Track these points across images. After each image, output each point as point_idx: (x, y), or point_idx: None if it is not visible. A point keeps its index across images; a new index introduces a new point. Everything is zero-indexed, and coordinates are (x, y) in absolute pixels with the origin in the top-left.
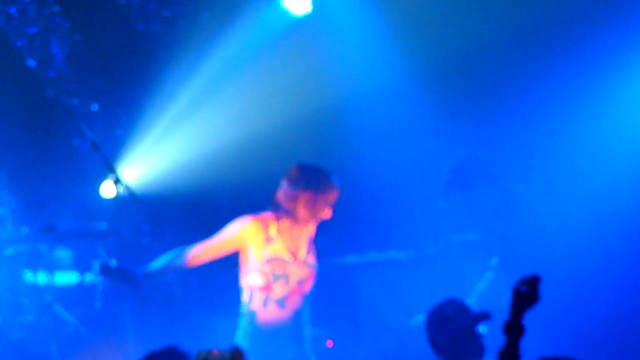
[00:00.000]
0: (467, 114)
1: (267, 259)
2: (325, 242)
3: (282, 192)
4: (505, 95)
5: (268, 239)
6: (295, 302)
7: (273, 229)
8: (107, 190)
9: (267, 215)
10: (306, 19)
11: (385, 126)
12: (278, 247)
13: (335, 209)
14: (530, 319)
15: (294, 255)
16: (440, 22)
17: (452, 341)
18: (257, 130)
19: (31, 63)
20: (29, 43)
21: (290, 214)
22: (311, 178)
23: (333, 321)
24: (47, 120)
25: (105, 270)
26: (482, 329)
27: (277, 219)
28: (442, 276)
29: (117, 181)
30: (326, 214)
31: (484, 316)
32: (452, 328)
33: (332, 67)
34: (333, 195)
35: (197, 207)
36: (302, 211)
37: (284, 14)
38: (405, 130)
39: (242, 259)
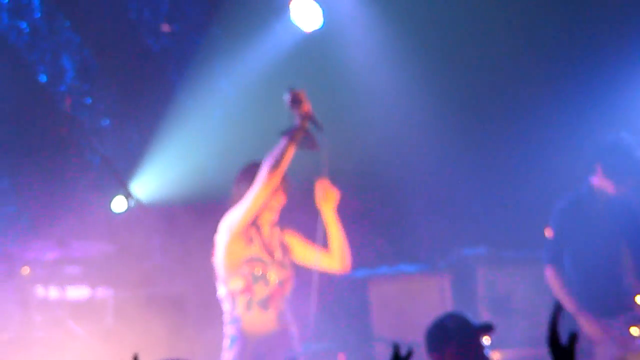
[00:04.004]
0: (481, 132)
1: (246, 259)
2: None
3: (233, 197)
4: (519, 108)
5: (249, 240)
6: (278, 304)
7: (251, 231)
8: (118, 205)
9: None
10: (317, 34)
11: (396, 139)
12: (256, 248)
13: (345, 222)
14: None
15: (271, 255)
16: (452, 37)
17: (457, 355)
18: (268, 144)
19: (42, 78)
20: (40, 58)
21: None
22: (247, 173)
23: (343, 335)
24: (58, 135)
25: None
26: (484, 340)
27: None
28: (453, 290)
29: (128, 196)
30: (276, 203)
31: (487, 328)
32: (455, 341)
33: (343, 81)
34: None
35: (209, 221)
36: None
37: (295, 28)
38: (416, 145)
39: (223, 264)
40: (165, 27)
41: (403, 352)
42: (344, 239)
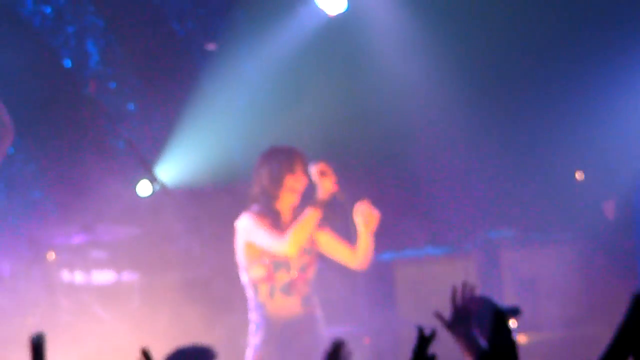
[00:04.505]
0: (507, 114)
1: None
2: None
3: (254, 183)
4: (545, 89)
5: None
6: (301, 289)
7: (271, 217)
8: (143, 189)
9: (260, 208)
10: (342, 17)
11: (421, 122)
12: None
13: (371, 204)
14: None
15: None
16: (478, 21)
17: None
18: (292, 129)
19: (67, 63)
20: (64, 43)
21: (267, 198)
22: (267, 159)
23: (369, 318)
24: (84, 119)
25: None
26: (512, 323)
27: (267, 209)
28: (479, 273)
29: (153, 180)
30: (298, 186)
31: (514, 311)
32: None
33: (368, 65)
34: (291, 162)
35: (234, 205)
36: (269, 188)
37: (319, 12)
38: (441, 127)
39: (243, 254)
40: (211, 46)
41: (427, 333)
42: (372, 250)
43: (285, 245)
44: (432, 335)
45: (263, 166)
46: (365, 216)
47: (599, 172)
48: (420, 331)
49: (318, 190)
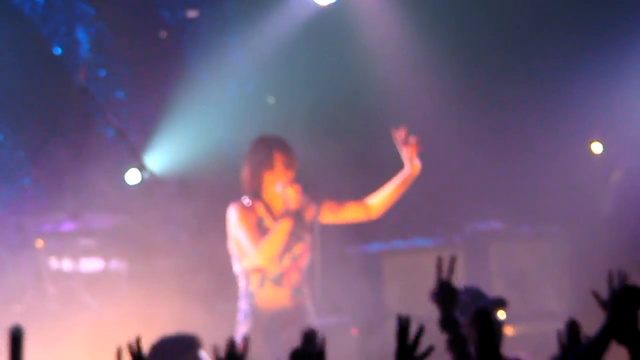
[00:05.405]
0: (499, 106)
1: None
2: (350, 230)
3: (242, 177)
4: (535, 80)
5: (258, 222)
6: (292, 280)
7: (261, 210)
8: (132, 177)
9: (248, 201)
10: (333, 7)
11: (411, 113)
12: (268, 226)
13: (361, 196)
14: None
15: None
16: (469, 11)
17: (470, 328)
18: (281, 118)
19: (57, 50)
20: (54, 30)
21: (251, 193)
22: (247, 151)
23: (357, 309)
24: (73, 107)
25: None
26: (499, 314)
27: (254, 203)
28: (467, 264)
29: (141, 168)
30: (274, 180)
31: (501, 302)
32: (469, 315)
33: (358, 56)
34: (270, 160)
35: (224, 193)
36: (251, 185)
37: (310, 2)
38: (431, 118)
39: (233, 244)
40: (192, 13)
41: (414, 326)
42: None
43: (255, 257)
44: (408, 321)
45: (245, 162)
46: (413, 152)
47: (591, 167)
48: (400, 319)
49: (286, 203)
